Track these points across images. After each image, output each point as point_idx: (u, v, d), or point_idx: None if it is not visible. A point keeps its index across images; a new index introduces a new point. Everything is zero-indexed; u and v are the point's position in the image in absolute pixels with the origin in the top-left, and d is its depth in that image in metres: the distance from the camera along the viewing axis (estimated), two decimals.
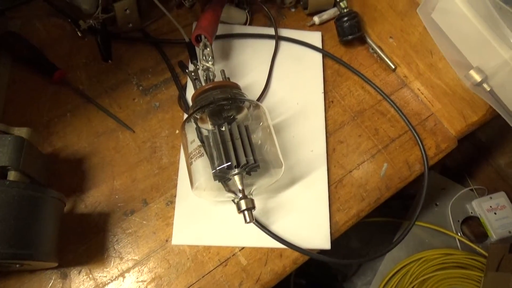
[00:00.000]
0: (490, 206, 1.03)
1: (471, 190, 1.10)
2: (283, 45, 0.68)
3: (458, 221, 1.05)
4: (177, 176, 0.57)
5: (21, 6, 0.65)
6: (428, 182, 0.61)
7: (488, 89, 0.47)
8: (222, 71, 0.57)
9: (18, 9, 0.65)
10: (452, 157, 0.65)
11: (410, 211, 1.05)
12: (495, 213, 1.02)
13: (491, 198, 1.05)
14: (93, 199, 0.55)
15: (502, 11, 0.42)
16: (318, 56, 0.68)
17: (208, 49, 0.57)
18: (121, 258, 0.52)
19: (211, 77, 0.55)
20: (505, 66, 0.43)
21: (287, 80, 0.65)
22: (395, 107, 0.64)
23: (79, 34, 0.65)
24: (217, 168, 0.47)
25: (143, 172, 0.58)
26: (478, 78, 0.47)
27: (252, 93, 0.63)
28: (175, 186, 0.57)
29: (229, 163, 0.47)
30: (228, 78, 0.57)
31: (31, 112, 0.59)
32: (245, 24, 0.70)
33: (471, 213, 1.06)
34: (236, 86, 0.54)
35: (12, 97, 0.60)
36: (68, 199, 0.54)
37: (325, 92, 0.65)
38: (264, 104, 0.63)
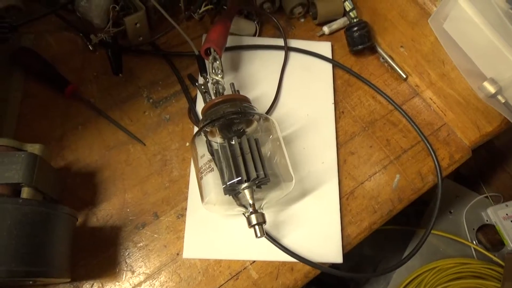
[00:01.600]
0: (506, 214, 1.01)
1: (486, 197, 1.08)
2: (293, 55, 0.68)
3: (473, 229, 1.03)
4: (188, 189, 0.57)
5: (34, 21, 0.66)
6: (442, 191, 0.60)
7: (503, 101, 0.46)
8: (232, 84, 0.57)
9: (31, 24, 0.66)
10: (466, 163, 0.64)
11: (424, 219, 1.03)
12: (511, 221, 1.00)
13: (507, 205, 1.03)
14: (105, 213, 0.56)
15: None
16: (328, 67, 0.68)
17: (218, 62, 0.57)
18: (133, 272, 0.53)
19: (221, 90, 0.55)
20: None
21: (297, 91, 0.65)
22: (407, 117, 0.64)
23: (91, 48, 0.66)
24: (228, 183, 0.47)
25: (154, 185, 0.58)
26: (492, 89, 0.46)
27: (262, 105, 0.63)
28: (186, 199, 0.57)
29: (240, 178, 0.47)
30: (238, 91, 0.57)
31: (44, 126, 0.60)
32: (254, 35, 0.70)
33: (487, 221, 1.04)
34: (245, 99, 0.54)
35: (25, 111, 0.61)
36: (80, 213, 0.55)
37: (335, 103, 0.65)
38: (274, 116, 0.62)
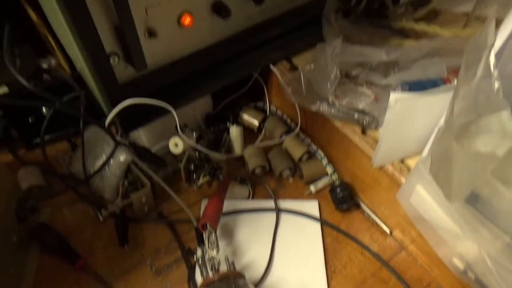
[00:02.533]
0: None
1: None
2: (284, 216, 0.74)
3: None
4: None
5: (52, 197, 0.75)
6: None
7: (473, 277, 0.49)
8: (226, 258, 0.62)
9: (50, 199, 0.75)
10: None
11: None
12: None
13: None
14: None
15: (466, 210, 0.47)
16: (317, 225, 0.73)
17: (213, 235, 0.63)
18: None
19: (216, 266, 0.60)
20: (482, 260, 0.46)
21: (289, 252, 0.69)
22: (396, 275, 0.66)
23: (101, 219, 0.73)
24: None
25: None
26: (461, 266, 0.50)
27: (256, 269, 0.67)
28: None
29: None
30: (233, 263, 0.62)
31: None
32: (248, 198, 0.77)
33: None
34: (239, 275, 0.58)
35: (37, 283, 0.65)
36: None
37: (326, 262, 0.68)
38: (267, 284, 0.66)
